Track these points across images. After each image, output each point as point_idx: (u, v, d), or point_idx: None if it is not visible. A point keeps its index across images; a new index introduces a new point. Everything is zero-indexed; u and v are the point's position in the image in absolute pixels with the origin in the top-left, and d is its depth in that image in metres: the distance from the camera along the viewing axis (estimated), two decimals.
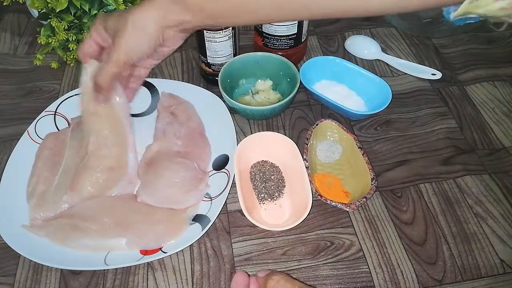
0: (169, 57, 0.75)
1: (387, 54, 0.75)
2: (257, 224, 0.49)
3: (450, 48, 0.77)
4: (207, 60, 0.66)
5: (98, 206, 0.54)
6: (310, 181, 0.52)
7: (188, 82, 0.69)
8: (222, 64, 0.65)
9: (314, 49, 0.77)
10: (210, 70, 0.67)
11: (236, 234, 0.53)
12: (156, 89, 0.67)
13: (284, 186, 0.56)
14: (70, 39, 0.69)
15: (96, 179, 0.55)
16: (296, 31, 0.66)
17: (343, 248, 0.52)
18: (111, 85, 0.50)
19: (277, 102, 0.62)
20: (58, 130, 0.62)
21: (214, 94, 0.65)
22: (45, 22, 0.69)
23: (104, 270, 0.50)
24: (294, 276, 0.49)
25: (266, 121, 0.66)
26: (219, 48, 0.63)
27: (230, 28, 0.62)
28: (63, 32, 0.67)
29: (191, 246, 0.52)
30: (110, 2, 0.67)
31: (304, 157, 0.55)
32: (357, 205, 0.51)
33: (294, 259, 0.51)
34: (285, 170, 0.58)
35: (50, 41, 0.68)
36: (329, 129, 0.61)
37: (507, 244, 0.52)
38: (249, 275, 0.42)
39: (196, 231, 0.51)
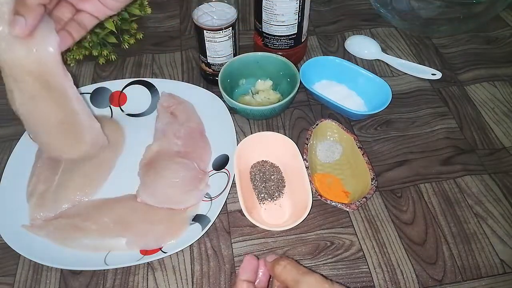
0: (169, 57, 0.76)
1: (387, 54, 0.75)
2: (257, 224, 0.49)
3: (450, 48, 0.77)
4: (207, 60, 0.66)
5: (98, 206, 0.54)
6: (310, 181, 0.52)
7: (188, 82, 0.69)
8: (222, 64, 0.65)
9: (314, 49, 0.77)
10: (210, 70, 0.67)
11: (236, 234, 0.53)
12: (156, 89, 0.67)
13: (284, 186, 0.56)
14: None
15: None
16: (296, 31, 0.66)
17: (343, 248, 0.52)
18: (40, 7, 0.38)
19: (277, 102, 0.62)
20: None
21: (214, 94, 0.65)
22: None
23: (104, 270, 0.50)
24: None
25: (266, 121, 0.66)
26: (219, 48, 0.63)
27: (230, 28, 0.62)
28: None
29: (191, 246, 0.52)
30: None
31: (304, 157, 0.55)
32: (357, 205, 0.51)
33: (294, 259, 0.51)
34: (285, 170, 0.58)
35: None
36: (329, 129, 0.61)
37: (507, 244, 0.52)
38: (258, 258, 0.43)
39: (196, 231, 0.51)
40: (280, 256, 0.42)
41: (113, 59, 0.74)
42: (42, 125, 0.48)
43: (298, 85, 0.61)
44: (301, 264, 0.43)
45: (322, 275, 0.39)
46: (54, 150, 0.51)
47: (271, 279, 0.43)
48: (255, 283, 0.42)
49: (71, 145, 0.51)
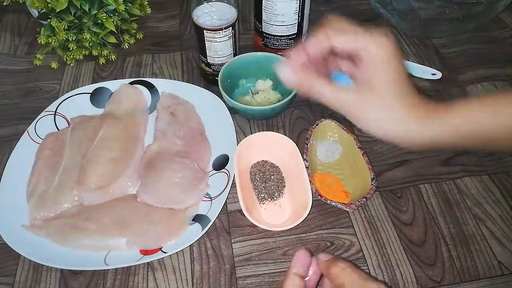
0: (169, 57, 0.76)
1: None
2: (257, 224, 0.49)
3: (450, 48, 0.77)
4: (207, 60, 0.66)
5: (98, 206, 0.54)
6: (310, 181, 0.52)
7: (188, 82, 0.69)
8: (222, 64, 0.65)
9: None
10: (210, 70, 0.67)
11: (236, 234, 0.53)
12: (156, 89, 0.67)
13: (284, 186, 0.56)
14: (70, 39, 0.69)
15: (101, 172, 0.56)
16: (296, 31, 0.66)
17: (343, 249, 0.52)
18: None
19: (277, 102, 0.62)
20: (58, 130, 0.62)
21: (214, 94, 0.65)
22: (45, 22, 0.69)
23: (104, 270, 0.50)
24: None
25: (266, 121, 0.66)
26: (219, 48, 0.63)
27: (230, 28, 0.62)
28: (63, 32, 0.67)
29: (191, 246, 0.52)
30: (110, 2, 0.67)
31: (304, 157, 0.55)
32: (357, 205, 0.51)
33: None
34: (285, 170, 0.58)
35: (50, 41, 0.69)
36: (329, 129, 0.61)
37: (505, 246, 0.52)
38: (312, 254, 0.41)
39: (196, 231, 0.51)
40: (337, 257, 0.40)
41: (113, 59, 0.74)
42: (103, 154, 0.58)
43: None
44: (361, 270, 0.40)
45: (385, 283, 0.37)
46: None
47: (320, 281, 0.41)
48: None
49: (112, 181, 0.56)
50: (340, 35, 0.37)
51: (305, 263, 0.40)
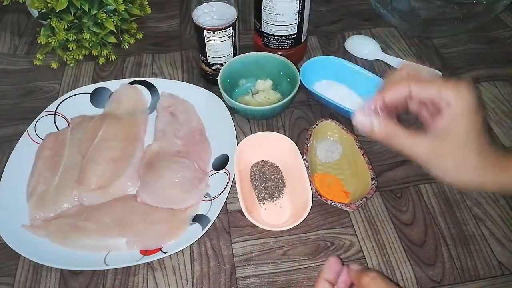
0: (169, 57, 0.76)
1: (387, 54, 0.75)
2: (257, 224, 0.49)
3: (450, 48, 0.77)
4: (207, 60, 0.66)
5: (98, 206, 0.54)
6: (310, 181, 0.52)
7: (188, 82, 0.69)
8: (222, 64, 0.65)
9: (314, 49, 0.77)
10: (210, 70, 0.67)
11: (236, 234, 0.53)
12: (156, 89, 0.67)
13: (284, 186, 0.56)
14: (70, 39, 0.69)
15: (101, 172, 0.56)
16: (296, 31, 0.66)
17: (343, 249, 0.52)
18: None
19: (277, 102, 0.62)
20: (58, 130, 0.62)
21: (214, 94, 0.65)
22: (45, 22, 0.69)
23: (104, 270, 0.50)
24: (294, 277, 0.49)
25: (266, 121, 0.66)
26: (219, 48, 0.63)
27: (230, 28, 0.62)
28: (63, 32, 0.67)
29: (191, 246, 0.52)
30: (110, 2, 0.67)
31: (304, 157, 0.55)
32: (357, 205, 0.51)
33: (294, 259, 0.51)
34: (285, 170, 0.58)
35: (50, 41, 0.69)
36: (329, 129, 0.61)
37: (505, 246, 0.52)
38: (343, 263, 0.42)
39: (196, 231, 0.51)
40: (367, 267, 0.40)
41: (113, 59, 0.74)
42: (104, 155, 0.58)
43: (298, 85, 0.61)
44: (391, 280, 0.40)
45: None
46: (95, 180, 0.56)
47: None
48: None
49: (112, 181, 0.56)
50: (421, 85, 0.37)
51: (335, 269, 0.41)
